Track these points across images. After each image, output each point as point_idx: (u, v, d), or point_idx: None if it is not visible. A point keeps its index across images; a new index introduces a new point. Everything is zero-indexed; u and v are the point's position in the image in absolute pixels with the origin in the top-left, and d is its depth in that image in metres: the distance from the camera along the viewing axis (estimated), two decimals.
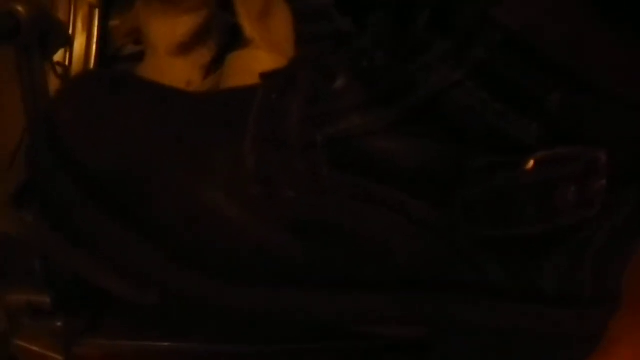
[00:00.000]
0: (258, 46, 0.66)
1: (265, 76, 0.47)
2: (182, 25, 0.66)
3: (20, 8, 0.49)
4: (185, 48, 0.67)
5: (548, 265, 0.44)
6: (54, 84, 0.54)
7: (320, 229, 0.43)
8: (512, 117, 0.41)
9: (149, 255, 0.44)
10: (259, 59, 0.65)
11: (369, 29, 0.45)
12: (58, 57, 0.54)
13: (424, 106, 0.42)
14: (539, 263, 0.44)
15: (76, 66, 0.57)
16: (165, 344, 0.50)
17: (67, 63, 0.55)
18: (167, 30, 0.66)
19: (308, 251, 0.43)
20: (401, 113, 0.42)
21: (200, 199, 0.43)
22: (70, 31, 0.58)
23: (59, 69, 0.53)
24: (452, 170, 0.42)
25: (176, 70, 0.66)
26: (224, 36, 0.68)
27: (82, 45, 0.58)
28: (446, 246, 0.43)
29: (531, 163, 0.41)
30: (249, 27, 0.66)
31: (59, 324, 0.50)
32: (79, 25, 0.59)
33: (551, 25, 0.40)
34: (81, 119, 0.45)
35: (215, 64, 0.67)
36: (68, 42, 0.54)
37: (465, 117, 0.41)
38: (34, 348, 0.49)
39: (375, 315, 0.45)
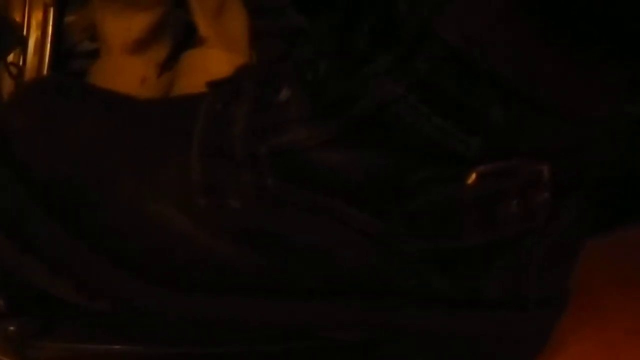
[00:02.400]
0: (213, 44, 0.66)
1: (212, 85, 0.47)
2: (138, 22, 0.66)
3: None
4: (140, 46, 0.67)
5: (491, 274, 0.45)
6: (8, 84, 0.54)
7: (266, 239, 0.44)
8: (453, 131, 0.41)
9: (99, 265, 0.44)
10: (213, 58, 0.66)
11: (312, 37, 0.45)
12: (12, 57, 0.54)
13: (367, 119, 0.42)
14: (482, 272, 0.45)
15: (30, 66, 0.57)
16: (120, 347, 0.50)
17: (20, 63, 0.55)
18: (122, 27, 0.66)
19: (254, 260, 0.44)
20: (344, 125, 0.43)
21: (148, 209, 0.44)
22: (25, 31, 0.58)
23: (13, 70, 0.53)
24: (394, 182, 0.43)
25: (131, 68, 0.66)
26: (178, 34, 0.68)
27: (37, 45, 0.58)
28: (389, 256, 0.44)
29: (473, 177, 0.42)
30: (203, 25, 0.66)
31: (12, 327, 0.50)
32: (34, 24, 0.58)
33: (491, 39, 0.40)
34: (31, 127, 0.45)
35: (170, 62, 0.67)
36: (22, 43, 0.54)
37: (407, 131, 0.42)
38: None
39: (320, 322, 0.46)
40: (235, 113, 0.45)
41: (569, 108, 0.41)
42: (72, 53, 0.69)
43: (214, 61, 0.66)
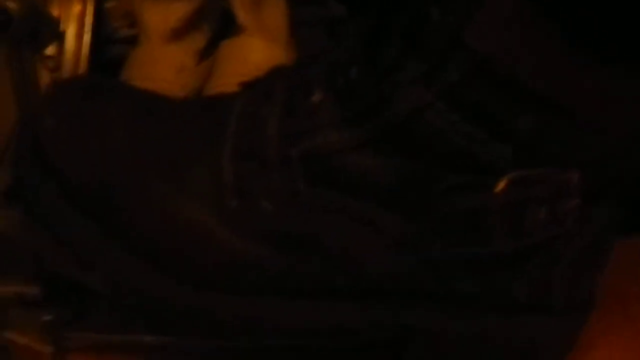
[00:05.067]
0: (251, 34, 0.66)
1: (244, 86, 0.48)
2: (176, 11, 0.67)
3: (11, 3, 0.50)
4: (178, 34, 0.67)
5: (519, 278, 0.45)
6: (45, 78, 0.54)
7: (296, 241, 0.44)
8: (482, 139, 0.42)
9: (130, 263, 0.45)
10: (251, 47, 0.66)
11: (344, 41, 0.45)
12: (49, 50, 0.54)
13: (397, 125, 0.42)
14: (510, 276, 0.45)
15: (68, 58, 0.57)
16: (151, 338, 0.51)
17: (58, 56, 0.56)
18: (160, 16, 0.67)
19: (284, 262, 0.45)
20: (374, 131, 0.43)
21: (179, 211, 0.45)
22: (62, 23, 0.58)
23: (51, 63, 0.54)
24: (424, 188, 0.43)
25: (169, 56, 0.67)
26: (217, 22, 0.68)
27: (74, 37, 0.59)
28: (417, 260, 0.44)
29: (502, 184, 0.42)
30: (242, 14, 0.66)
31: (47, 317, 0.51)
32: (71, 16, 0.59)
33: (521, 50, 0.41)
34: (64, 128, 0.46)
35: (209, 50, 0.68)
36: (59, 37, 0.55)
37: (436, 138, 0.42)
38: (23, 340, 0.50)
39: (348, 324, 0.46)
40: (267, 116, 0.45)
41: (598, 118, 0.41)
42: (112, 39, 0.70)
43: (253, 50, 0.66)
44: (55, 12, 0.58)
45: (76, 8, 0.58)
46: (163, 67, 0.67)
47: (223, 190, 0.45)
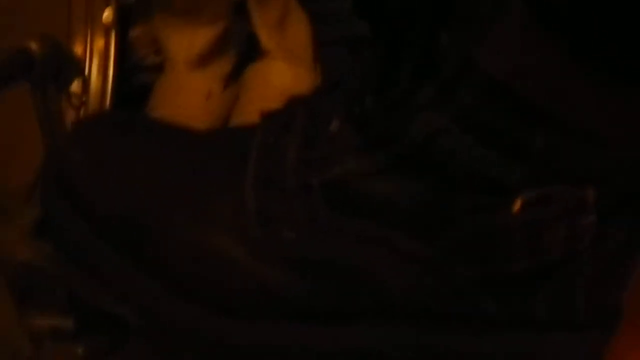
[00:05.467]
0: (275, 56, 0.67)
1: (264, 116, 0.48)
2: (201, 37, 0.68)
3: (33, 45, 0.51)
4: (204, 60, 0.68)
5: (540, 295, 0.46)
6: (70, 115, 0.56)
7: (319, 267, 0.45)
8: (497, 161, 0.42)
9: (159, 294, 0.46)
10: (276, 71, 0.67)
11: (358, 70, 0.46)
12: (74, 87, 0.55)
13: (413, 150, 0.43)
14: (531, 294, 0.45)
15: (93, 93, 0.58)
16: None
17: (83, 94, 0.57)
18: (185, 42, 0.68)
19: (308, 287, 0.45)
20: (391, 157, 0.44)
21: (205, 242, 0.46)
22: (88, 59, 0.59)
23: (76, 101, 0.55)
24: (441, 210, 0.44)
25: (196, 83, 0.68)
26: (242, 46, 0.69)
27: (99, 72, 0.60)
28: (438, 281, 0.45)
29: (518, 204, 0.43)
30: (265, 37, 0.67)
31: (80, 349, 0.52)
32: (96, 50, 0.60)
33: (531, 70, 0.41)
34: (90, 162, 0.47)
35: (235, 75, 0.68)
36: (82, 74, 0.56)
37: (452, 161, 0.43)
38: None
39: (372, 346, 0.47)
40: (287, 146, 0.46)
41: (612, 135, 0.42)
42: (138, 67, 0.71)
43: (278, 74, 0.67)
44: (78, 48, 0.59)
45: (99, 42, 0.59)
46: (190, 94, 0.68)
47: (246, 220, 0.46)
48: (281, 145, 0.46)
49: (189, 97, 0.67)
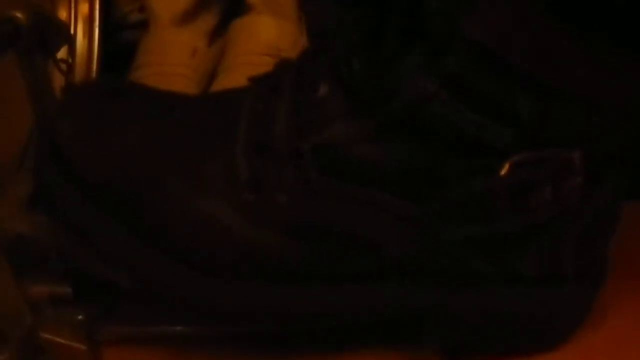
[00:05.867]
0: (260, 11, 0.67)
1: (253, 81, 0.49)
2: None
3: (18, 14, 0.51)
4: (189, 16, 0.68)
5: (528, 254, 0.47)
6: (58, 81, 0.56)
7: (313, 230, 0.46)
8: (486, 124, 0.43)
9: (153, 259, 0.47)
10: (262, 25, 0.67)
11: (345, 34, 0.46)
12: (60, 53, 0.55)
13: (402, 115, 0.44)
14: (519, 252, 0.47)
15: (79, 60, 0.58)
16: (183, 327, 0.53)
17: (69, 59, 0.57)
18: None
19: (302, 251, 0.46)
20: (381, 121, 0.44)
21: (196, 206, 0.46)
22: (72, 25, 0.59)
23: (63, 66, 0.55)
24: (431, 173, 0.44)
25: (181, 40, 0.68)
26: (226, 1, 0.69)
27: (85, 38, 0.60)
28: (429, 241, 0.46)
29: (506, 167, 0.44)
30: None
31: (80, 313, 0.52)
32: (80, 16, 0.60)
33: (518, 36, 0.42)
34: (81, 131, 0.48)
35: (219, 31, 0.68)
36: (69, 40, 0.56)
37: (441, 126, 0.43)
38: (58, 340, 0.52)
39: (366, 305, 0.48)
40: (277, 112, 0.47)
41: (595, 96, 0.43)
42: (122, 24, 0.70)
43: (263, 28, 0.67)
44: (63, 14, 0.59)
45: (84, 7, 0.59)
46: (175, 51, 0.68)
47: (239, 185, 0.46)
48: (271, 111, 0.47)
49: (174, 53, 0.67)
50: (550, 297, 0.48)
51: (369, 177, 0.45)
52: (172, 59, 0.66)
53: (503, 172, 0.43)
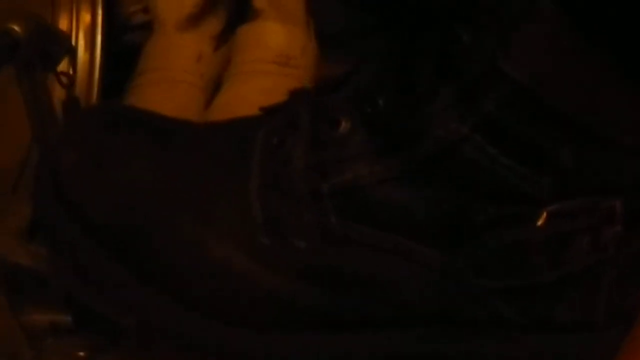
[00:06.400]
0: (268, 16, 0.64)
1: (266, 113, 0.46)
2: None
3: (16, 26, 0.48)
4: (194, 20, 0.65)
5: (562, 304, 0.44)
6: (59, 94, 0.53)
7: (332, 276, 0.43)
8: (522, 171, 0.40)
9: (162, 304, 0.44)
10: (270, 31, 0.64)
11: (369, 67, 0.43)
12: (62, 66, 0.52)
13: (431, 158, 0.41)
14: (552, 302, 0.44)
15: (81, 71, 0.55)
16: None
17: (71, 71, 0.54)
18: (175, 2, 0.65)
19: (320, 297, 0.44)
20: (407, 164, 0.41)
21: (208, 251, 0.43)
22: (74, 36, 0.56)
23: (64, 79, 0.52)
24: (461, 220, 0.41)
25: (186, 44, 0.65)
26: (232, 6, 0.66)
27: (87, 49, 0.57)
28: (457, 291, 0.43)
29: (543, 216, 0.41)
30: None
31: (81, 344, 0.50)
32: (82, 26, 0.57)
33: (560, 78, 0.39)
34: (84, 167, 0.45)
35: (225, 36, 0.65)
36: (70, 51, 0.52)
37: (473, 170, 0.41)
38: None
39: (389, 354, 0.45)
40: (293, 148, 0.44)
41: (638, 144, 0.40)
42: (126, 26, 0.68)
43: (271, 34, 0.65)
44: (64, 23, 0.56)
45: (86, 17, 0.56)
46: (180, 56, 0.65)
47: (254, 228, 0.43)
48: (287, 147, 0.44)
49: (179, 59, 0.65)
50: (579, 342, 0.46)
51: (394, 222, 0.42)
52: (177, 64, 0.64)
53: (540, 222, 0.40)
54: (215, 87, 0.65)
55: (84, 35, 0.56)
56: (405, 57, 0.42)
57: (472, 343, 0.46)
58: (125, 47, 0.67)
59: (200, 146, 0.46)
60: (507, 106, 0.39)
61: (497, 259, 0.42)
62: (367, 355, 0.46)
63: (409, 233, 0.42)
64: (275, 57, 0.64)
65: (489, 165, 0.40)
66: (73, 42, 0.56)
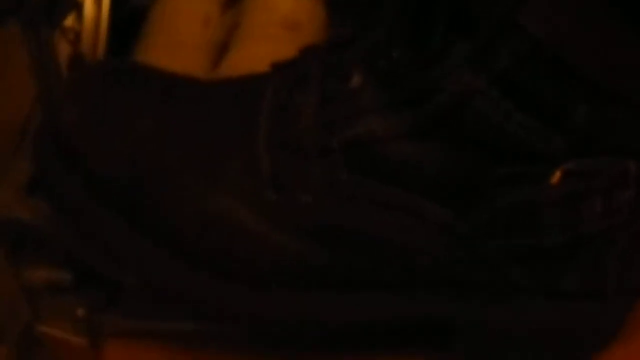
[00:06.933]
0: None
1: (275, 69, 0.45)
2: None
3: None
4: None
5: (572, 267, 0.43)
6: (65, 51, 0.52)
7: (339, 234, 0.42)
8: (536, 128, 0.39)
9: (162, 259, 0.43)
10: None
11: (383, 21, 0.42)
12: (68, 22, 0.51)
13: (445, 112, 0.40)
14: (562, 266, 0.43)
15: (88, 25, 0.54)
16: (189, 323, 0.49)
17: (76, 26, 0.53)
18: None
19: (326, 255, 0.43)
20: (420, 118, 0.41)
21: (214, 206, 0.43)
22: None
23: (70, 35, 0.51)
24: (474, 178, 0.41)
25: (193, 7, 0.64)
26: None
27: (93, 4, 0.55)
28: (466, 251, 0.42)
29: (557, 175, 0.40)
30: None
31: (80, 304, 0.49)
32: None
33: (579, 34, 0.38)
34: (87, 121, 0.44)
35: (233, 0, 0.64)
36: (76, 6, 0.51)
37: (487, 127, 0.40)
38: (57, 333, 0.49)
39: (395, 315, 0.45)
40: (303, 104, 0.43)
41: None
42: None
43: (279, 0, 0.63)
44: None
45: None
46: (187, 18, 0.64)
47: (260, 183, 0.42)
48: (296, 103, 0.43)
49: (185, 22, 0.63)
50: (589, 311, 0.45)
51: (405, 179, 0.41)
52: (183, 28, 0.63)
53: (553, 180, 0.39)
54: (221, 51, 0.64)
55: None
56: (420, 12, 0.41)
57: (480, 307, 0.45)
58: (132, 10, 0.66)
59: (207, 101, 0.45)
60: (523, 62, 0.39)
61: (508, 217, 0.41)
62: (373, 316, 0.45)
63: (420, 190, 0.41)
64: (283, 22, 0.63)
65: (502, 120, 0.39)
66: None
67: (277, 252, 0.42)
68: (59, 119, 0.43)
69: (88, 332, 0.49)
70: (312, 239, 0.42)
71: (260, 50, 0.62)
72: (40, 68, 0.48)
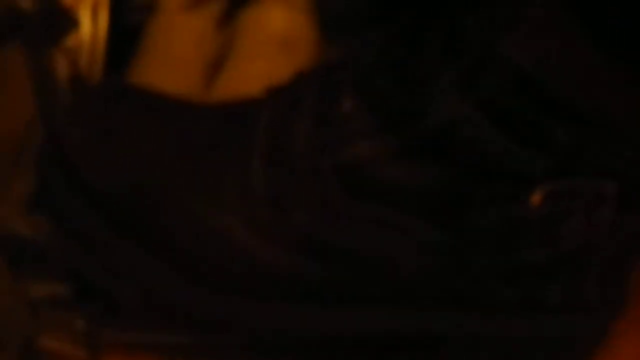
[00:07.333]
0: (269, 1, 0.64)
1: (270, 92, 0.47)
2: None
3: (22, 1, 0.49)
4: (197, 1, 0.65)
5: (554, 283, 0.45)
6: (64, 70, 0.53)
7: (331, 250, 0.44)
8: (519, 151, 0.41)
9: (163, 275, 0.45)
10: (271, 16, 0.64)
11: (373, 46, 0.44)
12: (67, 42, 0.53)
13: (432, 136, 0.42)
14: (543, 282, 0.45)
15: (85, 44, 0.56)
16: (187, 337, 0.51)
17: (75, 44, 0.54)
18: None
19: (319, 271, 0.45)
20: (408, 142, 0.42)
21: (212, 223, 0.44)
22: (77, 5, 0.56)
23: (69, 54, 0.52)
24: (459, 199, 0.43)
25: (188, 25, 0.65)
26: None
27: (90, 24, 0.57)
28: (452, 268, 0.44)
29: (538, 196, 0.42)
30: None
31: (80, 317, 0.50)
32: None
33: (559, 62, 0.40)
34: (90, 140, 0.46)
35: (228, 18, 0.66)
36: (75, 26, 0.53)
37: (472, 149, 0.42)
38: (57, 345, 0.50)
39: (383, 329, 0.46)
40: (296, 127, 0.45)
41: (635, 129, 0.41)
42: (129, 7, 0.68)
43: (273, 19, 0.65)
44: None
45: None
46: (182, 37, 0.65)
47: (254, 200, 0.44)
48: (290, 125, 0.45)
49: (180, 39, 0.65)
50: (571, 324, 0.47)
51: (394, 198, 0.43)
52: (178, 45, 0.64)
53: (534, 201, 0.41)
54: (216, 69, 0.65)
55: (88, 11, 0.56)
56: (409, 40, 0.42)
57: (469, 321, 0.46)
58: (128, 28, 0.67)
59: (204, 122, 0.47)
60: (506, 88, 0.40)
61: (491, 235, 0.43)
62: (364, 331, 0.46)
63: (409, 209, 0.43)
64: (276, 41, 0.64)
65: (486, 143, 0.41)
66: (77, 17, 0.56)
67: (271, 266, 0.44)
68: (62, 140, 0.45)
69: (87, 344, 0.51)
70: (305, 254, 0.44)
71: (254, 68, 0.63)
72: (40, 86, 0.50)
